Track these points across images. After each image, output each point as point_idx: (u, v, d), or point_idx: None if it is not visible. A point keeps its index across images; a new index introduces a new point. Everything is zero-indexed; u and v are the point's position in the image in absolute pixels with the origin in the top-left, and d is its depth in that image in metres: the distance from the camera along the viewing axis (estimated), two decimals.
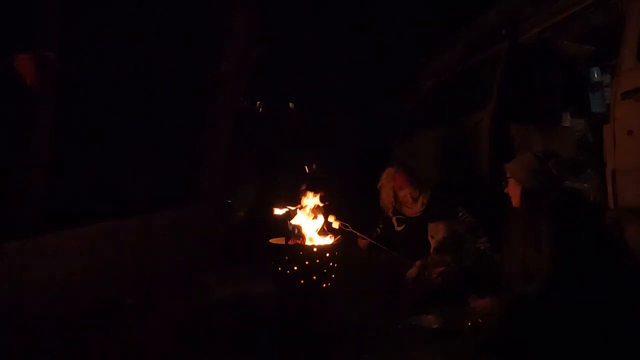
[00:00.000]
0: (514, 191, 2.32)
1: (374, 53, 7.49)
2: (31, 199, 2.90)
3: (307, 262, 2.53)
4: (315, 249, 2.60)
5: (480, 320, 2.14)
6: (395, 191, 3.40)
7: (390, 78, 6.99)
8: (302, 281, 2.52)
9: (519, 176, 2.28)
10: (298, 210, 2.82)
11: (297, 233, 2.74)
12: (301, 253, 2.57)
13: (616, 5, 2.89)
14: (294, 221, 2.77)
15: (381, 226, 3.49)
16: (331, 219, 2.90)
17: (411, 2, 7.53)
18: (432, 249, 2.92)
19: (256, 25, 4.92)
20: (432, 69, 5.27)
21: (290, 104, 8.01)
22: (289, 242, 2.73)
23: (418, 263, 2.96)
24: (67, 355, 2.15)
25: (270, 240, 2.76)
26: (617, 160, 2.52)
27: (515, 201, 2.33)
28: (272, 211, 2.80)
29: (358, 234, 3.13)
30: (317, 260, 2.55)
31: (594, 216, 2.36)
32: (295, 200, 2.86)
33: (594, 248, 2.09)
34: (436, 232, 2.92)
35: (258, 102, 7.08)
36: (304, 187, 2.86)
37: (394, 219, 3.44)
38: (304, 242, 2.74)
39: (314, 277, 2.53)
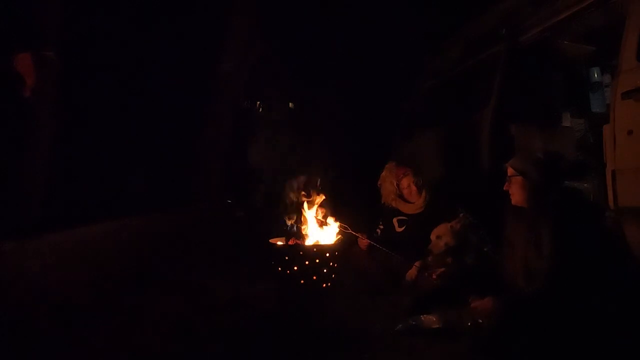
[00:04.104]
0: (516, 189, 2.32)
1: (374, 53, 7.49)
2: (31, 199, 2.90)
3: (307, 262, 2.53)
4: (315, 249, 2.60)
5: (480, 320, 2.14)
6: (398, 181, 3.40)
7: (390, 78, 6.99)
8: (302, 281, 2.53)
9: (529, 172, 2.27)
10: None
11: (297, 233, 2.75)
12: (301, 253, 2.58)
13: (616, 5, 2.89)
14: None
15: (381, 227, 3.49)
16: (331, 220, 2.90)
17: (411, 2, 7.53)
18: (437, 250, 2.92)
19: (256, 25, 4.92)
20: (432, 69, 5.27)
21: (290, 104, 8.02)
22: (289, 242, 2.73)
23: (418, 264, 2.96)
24: (68, 355, 2.15)
25: (270, 240, 2.76)
26: (617, 160, 2.52)
27: (517, 199, 2.33)
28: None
29: (358, 234, 3.13)
30: (317, 260, 2.55)
31: (594, 216, 2.36)
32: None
33: (594, 248, 2.09)
34: (445, 234, 2.92)
35: (258, 102, 7.09)
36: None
37: (394, 220, 3.44)
38: (304, 242, 2.74)
39: (314, 277, 2.53)
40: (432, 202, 3.35)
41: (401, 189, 3.40)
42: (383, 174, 3.54)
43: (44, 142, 2.99)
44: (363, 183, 4.00)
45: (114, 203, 4.03)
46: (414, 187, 3.35)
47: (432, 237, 2.97)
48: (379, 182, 3.56)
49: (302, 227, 2.83)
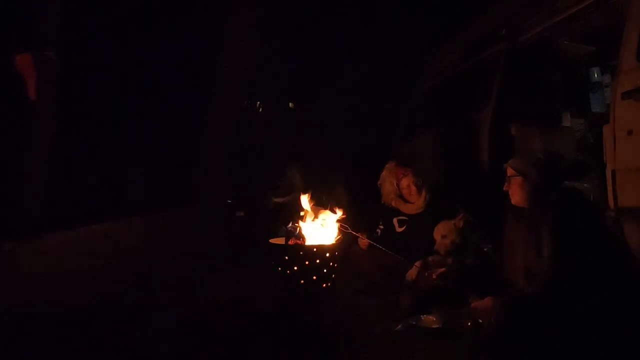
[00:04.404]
0: (516, 189, 2.32)
1: (374, 53, 7.49)
2: (31, 199, 2.90)
3: (307, 262, 2.53)
4: (315, 249, 2.59)
5: (480, 320, 2.14)
6: (398, 181, 3.40)
7: (390, 78, 6.99)
8: (302, 281, 2.52)
9: (529, 172, 2.27)
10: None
11: (297, 233, 2.74)
12: (301, 253, 2.57)
13: (616, 5, 2.89)
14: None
15: (382, 227, 3.49)
16: (332, 219, 2.89)
17: (412, 2, 7.52)
18: (443, 249, 2.91)
19: (256, 26, 4.92)
20: (432, 69, 5.27)
21: (290, 104, 8.02)
22: (289, 242, 2.72)
23: (418, 264, 2.96)
24: (67, 355, 2.15)
25: (270, 240, 2.76)
26: (617, 160, 2.52)
27: (517, 199, 2.33)
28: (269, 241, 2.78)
29: (358, 234, 3.13)
30: (317, 260, 2.55)
31: (594, 216, 2.36)
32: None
33: (593, 248, 2.09)
34: (450, 232, 2.91)
35: (258, 102, 7.09)
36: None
37: (394, 220, 3.44)
38: (304, 242, 2.74)
39: (314, 277, 2.53)
40: (432, 202, 3.35)
41: (401, 189, 3.41)
42: (383, 173, 3.54)
43: (44, 142, 3.00)
44: (363, 183, 4.00)
45: (114, 203, 4.03)
46: (413, 187, 3.35)
47: (437, 236, 2.97)
48: (379, 182, 3.56)
49: (301, 228, 2.82)
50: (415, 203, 3.38)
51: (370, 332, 2.42)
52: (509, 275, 2.33)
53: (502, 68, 3.73)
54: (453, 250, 2.89)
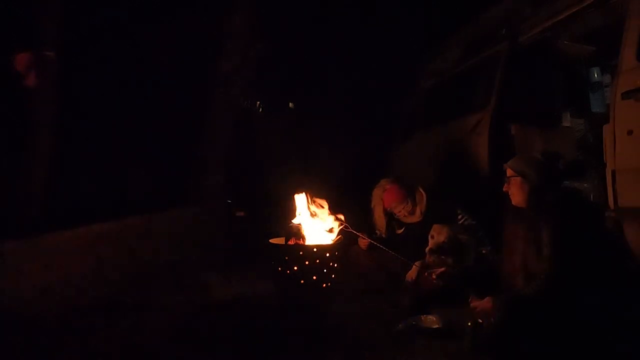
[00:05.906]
0: (516, 190, 2.32)
1: (374, 53, 7.49)
2: (31, 199, 2.90)
3: (307, 262, 2.53)
4: (315, 249, 2.59)
5: (480, 320, 2.14)
6: (389, 210, 3.36)
7: (390, 78, 6.99)
8: (302, 281, 2.52)
9: (528, 173, 2.27)
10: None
11: (297, 233, 2.74)
12: (301, 253, 2.57)
13: (616, 5, 2.89)
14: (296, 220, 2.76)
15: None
16: (331, 218, 2.89)
17: (411, 2, 7.53)
18: (427, 249, 2.92)
19: (256, 25, 4.92)
20: (432, 69, 5.27)
21: (290, 104, 8.03)
22: (289, 242, 2.72)
23: (418, 264, 2.96)
24: (67, 355, 2.15)
25: (270, 240, 2.75)
26: (617, 160, 2.52)
27: (516, 200, 2.33)
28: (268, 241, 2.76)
29: (358, 234, 3.12)
30: (317, 260, 2.55)
31: (594, 216, 2.37)
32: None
33: (593, 248, 2.09)
34: (438, 234, 2.91)
35: (258, 102, 7.09)
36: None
37: (393, 222, 3.43)
38: (304, 242, 2.74)
39: (314, 277, 2.53)
40: (430, 209, 3.28)
41: (394, 215, 3.36)
42: (373, 199, 3.47)
43: (44, 142, 3.00)
44: (363, 183, 4.00)
45: (114, 203, 4.03)
46: (403, 212, 3.30)
47: (429, 237, 2.97)
48: (372, 204, 3.49)
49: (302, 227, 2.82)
50: (412, 219, 3.34)
51: (370, 332, 2.42)
52: (508, 275, 2.33)
53: (502, 68, 3.73)
54: (444, 252, 2.88)
